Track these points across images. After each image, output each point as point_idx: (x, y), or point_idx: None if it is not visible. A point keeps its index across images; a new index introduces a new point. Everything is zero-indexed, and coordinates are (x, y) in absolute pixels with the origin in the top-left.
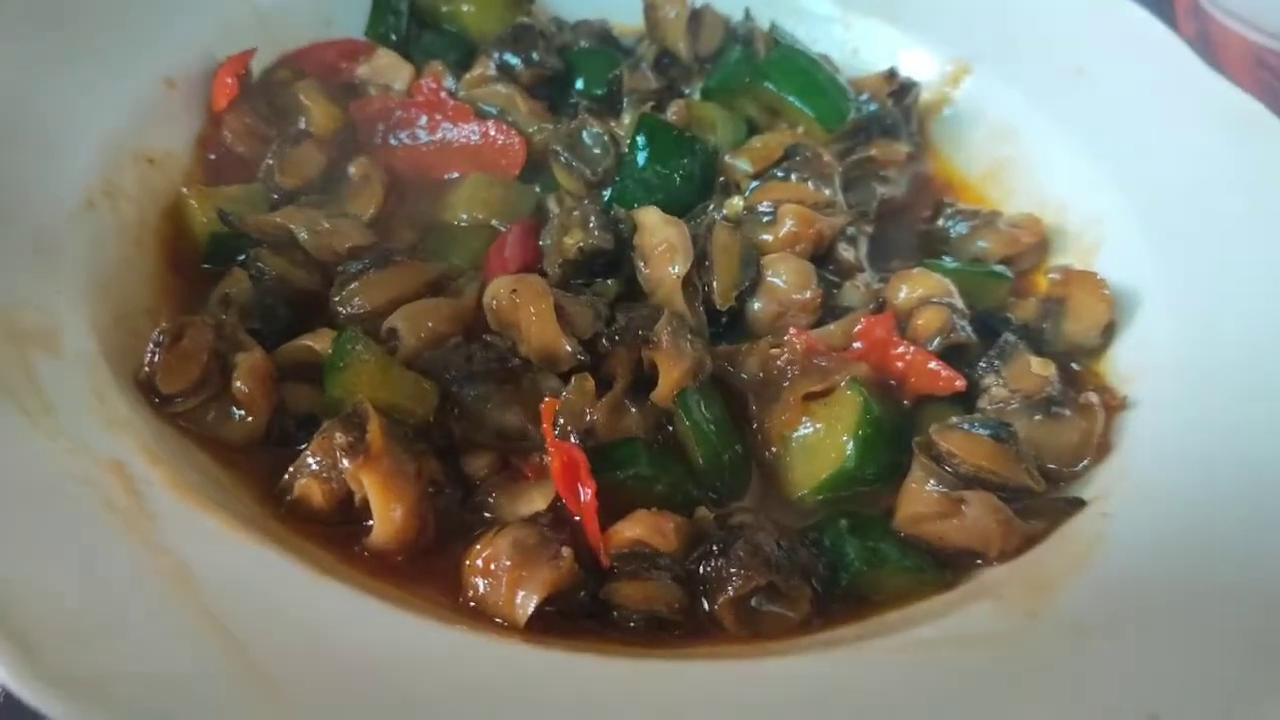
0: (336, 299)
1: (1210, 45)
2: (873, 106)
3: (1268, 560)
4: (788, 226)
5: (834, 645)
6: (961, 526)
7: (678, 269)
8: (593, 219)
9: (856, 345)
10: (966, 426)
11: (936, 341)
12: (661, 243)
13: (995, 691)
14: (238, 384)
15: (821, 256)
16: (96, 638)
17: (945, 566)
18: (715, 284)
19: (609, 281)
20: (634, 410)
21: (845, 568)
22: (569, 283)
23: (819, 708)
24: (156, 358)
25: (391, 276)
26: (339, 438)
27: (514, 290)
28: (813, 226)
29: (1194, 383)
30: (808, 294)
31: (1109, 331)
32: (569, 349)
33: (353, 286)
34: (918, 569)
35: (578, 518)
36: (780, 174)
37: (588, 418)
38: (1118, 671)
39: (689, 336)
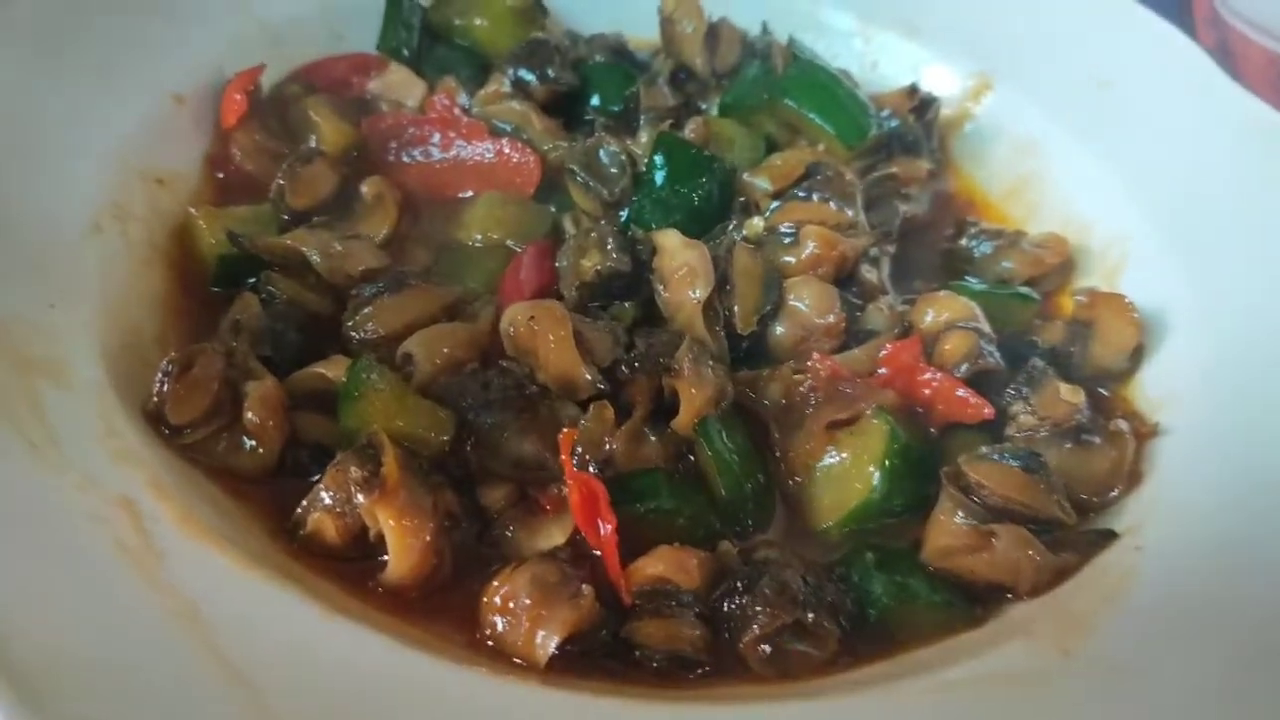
0: (350, 324)
1: (1230, 55)
2: (894, 123)
3: None
4: (810, 249)
5: (863, 685)
6: (991, 560)
7: (698, 293)
8: (610, 241)
9: (882, 371)
10: (996, 457)
11: (964, 367)
12: (682, 266)
13: None
14: (249, 414)
15: (844, 278)
16: (101, 680)
17: (975, 601)
18: (736, 308)
19: (626, 305)
20: (654, 439)
21: (873, 604)
22: (586, 306)
23: None
24: (165, 387)
25: (406, 300)
26: (354, 471)
27: (532, 317)
28: (835, 249)
29: (1226, 407)
30: (831, 318)
31: (1138, 355)
32: (588, 377)
33: (366, 311)
34: (947, 604)
35: (597, 552)
36: (801, 194)
37: (606, 447)
38: (1155, 711)
39: (710, 363)
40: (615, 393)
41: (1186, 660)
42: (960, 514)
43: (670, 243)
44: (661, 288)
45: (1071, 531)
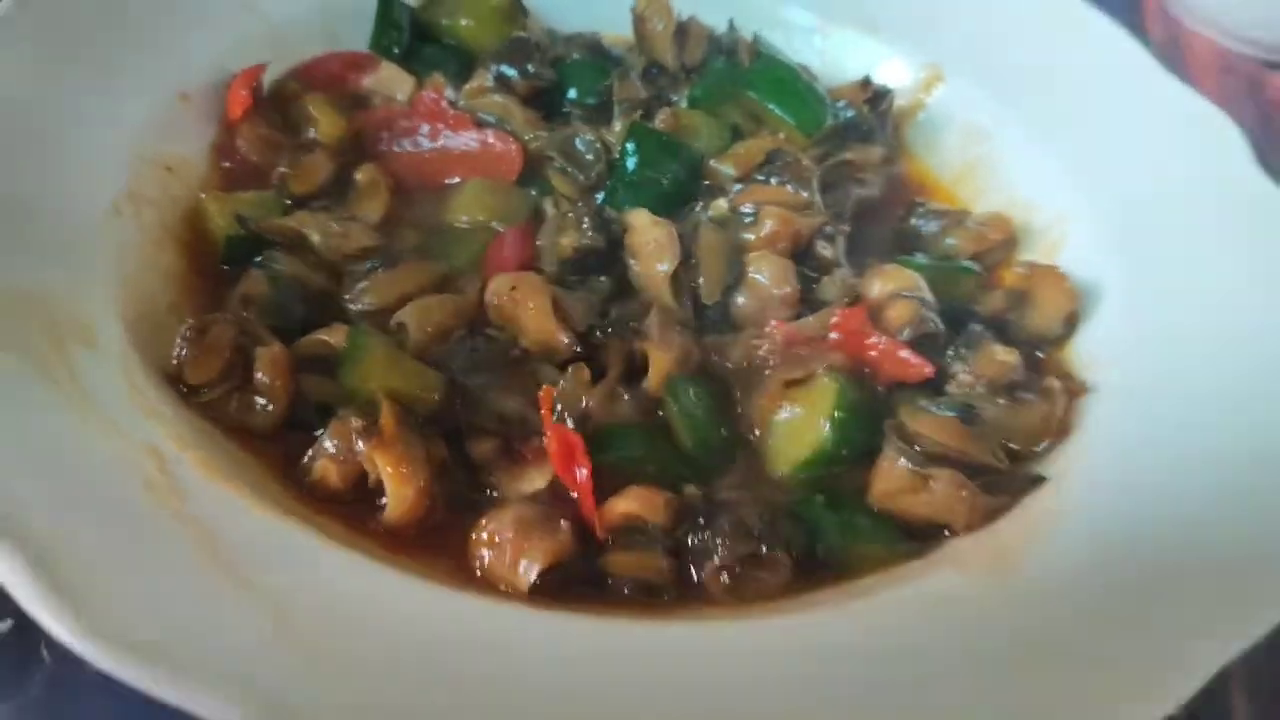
0: (348, 297)
1: (1179, 49)
2: (849, 113)
3: (1211, 530)
4: (768, 227)
5: (810, 606)
6: (930, 501)
7: (665, 266)
8: (586, 221)
9: (833, 336)
10: (935, 409)
11: (907, 331)
12: (650, 242)
13: (963, 642)
14: (259, 375)
15: (801, 254)
16: (134, 594)
17: (914, 538)
18: (701, 280)
19: (602, 279)
20: (626, 398)
21: (822, 538)
22: (565, 280)
23: (798, 655)
24: (184, 352)
25: (399, 275)
26: (354, 422)
27: (514, 287)
28: (792, 226)
29: (1151, 371)
30: (787, 289)
31: (1071, 321)
32: (565, 340)
33: (363, 285)
34: (888, 540)
35: (575, 495)
36: (760, 178)
37: (583, 405)
38: (1072, 623)
39: (677, 328)
40: (591, 356)
41: (1101, 586)
42: (902, 460)
43: (640, 221)
44: (633, 261)
45: (1004, 476)
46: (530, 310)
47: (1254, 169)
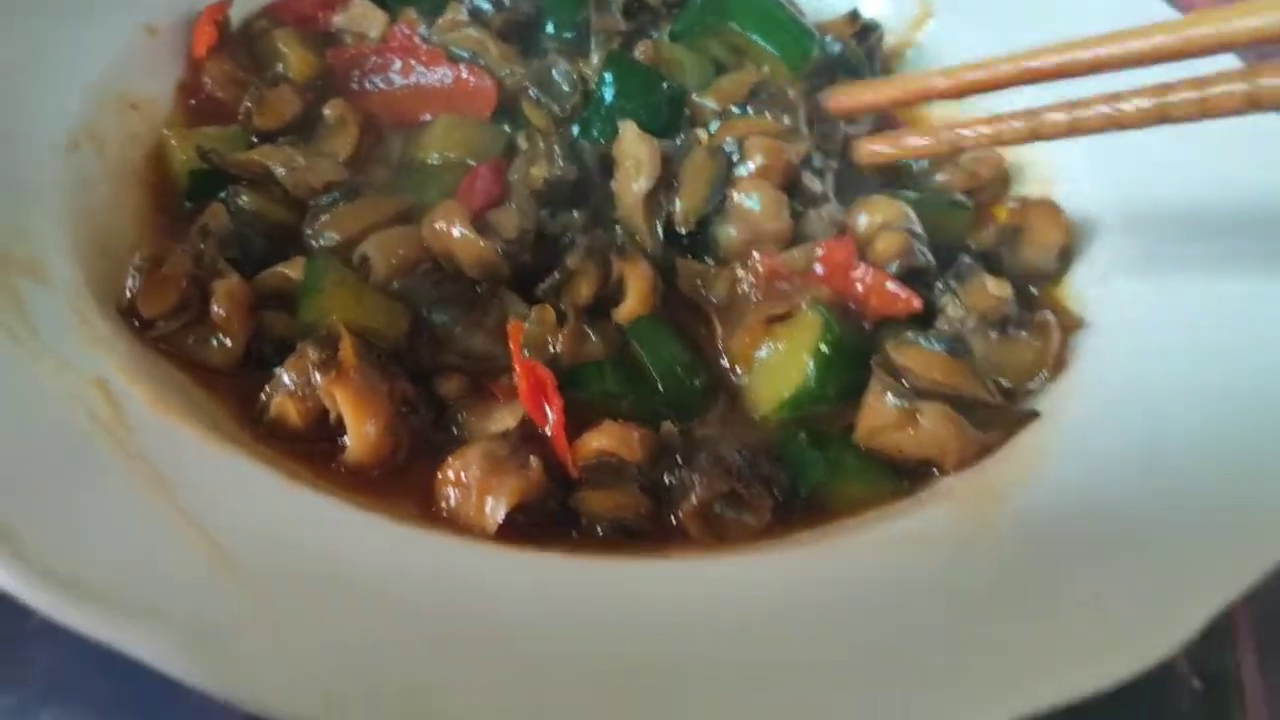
0: (309, 231)
1: None
2: (837, 47)
3: (1209, 467)
4: (758, 161)
5: (795, 545)
6: (917, 437)
7: (641, 185)
8: (558, 150)
9: (818, 269)
10: (922, 342)
11: (896, 264)
12: (630, 158)
13: (951, 581)
14: (215, 308)
15: (789, 189)
16: (78, 535)
17: (903, 476)
18: (679, 205)
19: (575, 213)
20: (595, 338)
21: (805, 477)
22: (538, 214)
23: (779, 592)
24: (137, 283)
25: (361, 208)
26: (312, 354)
27: (434, 220)
28: (782, 156)
29: (1145, 303)
30: (780, 224)
31: (1065, 256)
32: (494, 247)
33: (324, 219)
34: (876, 479)
35: (547, 430)
36: (738, 110)
37: (551, 349)
38: (1062, 561)
39: (643, 259)
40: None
41: (1094, 523)
42: (889, 395)
43: (628, 134)
44: (616, 175)
45: (996, 411)
46: (454, 236)
47: None
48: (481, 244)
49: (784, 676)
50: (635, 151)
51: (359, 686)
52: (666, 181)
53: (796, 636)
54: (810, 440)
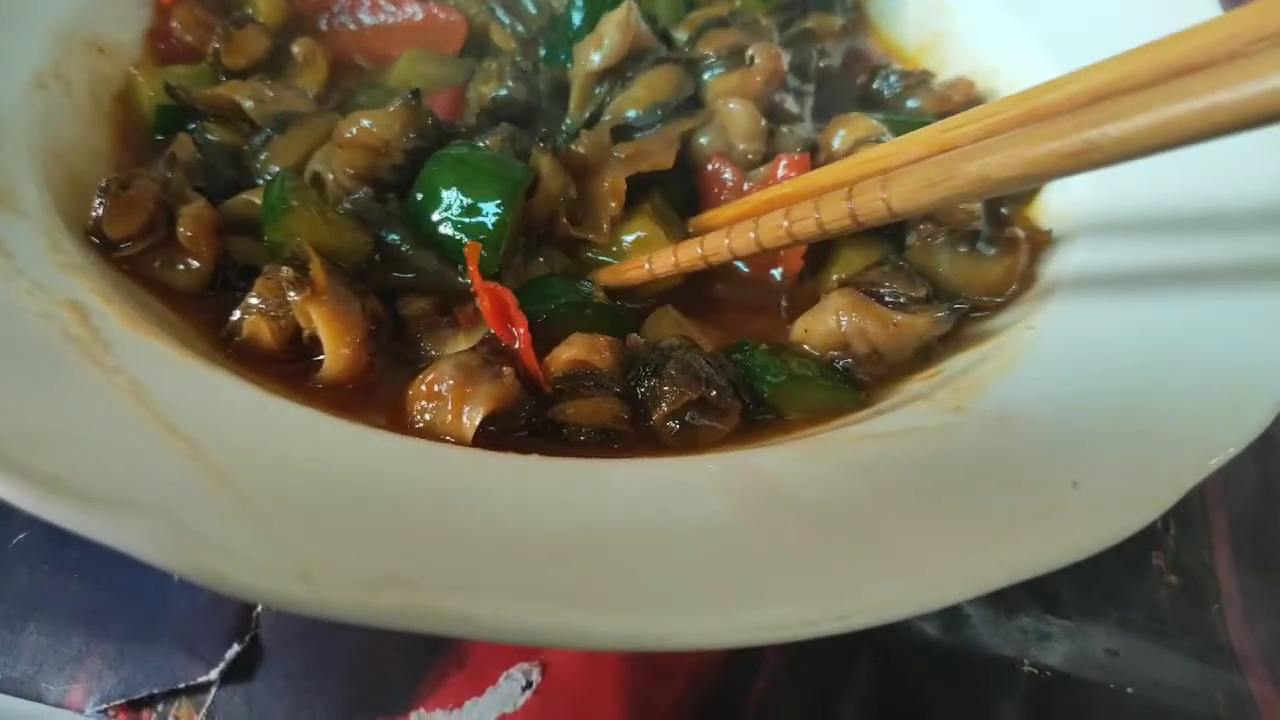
0: (258, 178)
1: None
2: None
3: (1170, 370)
4: (758, 62)
5: (781, 442)
6: (834, 324)
7: (593, 61)
8: (509, 70)
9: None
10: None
11: None
12: (599, 35)
13: (933, 467)
14: (182, 230)
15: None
16: (56, 438)
17: (861, 388)
18: (615, 99)
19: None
20: (541, 259)
21: (767, 382)
22: (484, 132)
23: (748, 482)
24: (104, 205)
25: (297, 134)
26: (285, 272)
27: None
28: (778, 59)
29: (1113, 220)
30: (755, 144)
31: None
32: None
33: (264, 156)
34: (834, 386)
35: (516, 346)
36: (717, 25)
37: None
38: (1040, 450)
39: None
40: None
41: (1067, 413)
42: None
43: (617, 13)
44: (575, 54)
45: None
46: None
47: None
48: (377, 159)
49: (755, 559)
50: (604, 30)
51: (340, 567)
52: (623, 74)
53: (767, 529)
54: (770, 348)
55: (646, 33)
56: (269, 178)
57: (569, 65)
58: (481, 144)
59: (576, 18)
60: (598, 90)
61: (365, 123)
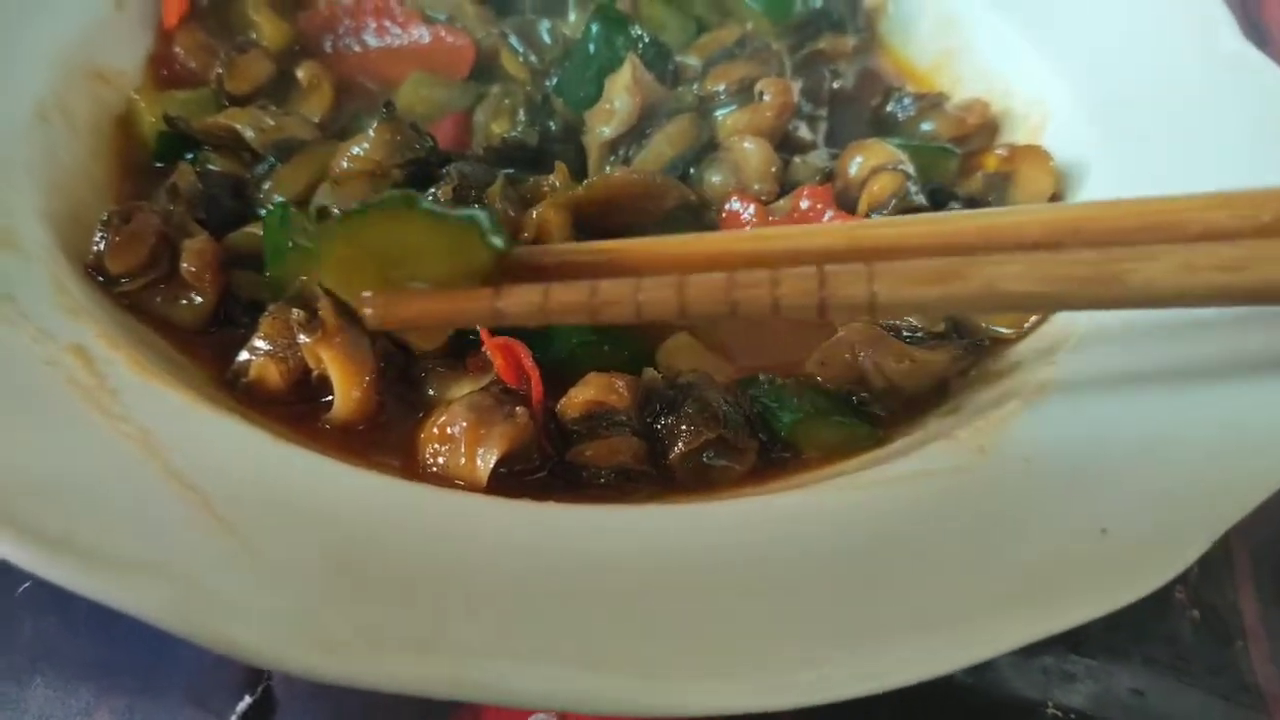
0: (259, 197)
1: None
2: (818, 1)
3: (1202, 404)
4: (769, 96)
5: (801, 485)
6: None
7: (605, 133)
8: (522, 111)
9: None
10: None
11: (892, 204)
12: (608, 102)
13: (958, 513)
14: (185, 265)
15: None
16: (61, 493)
17: (879, 426)
18: (635, 161)
19: (531, 180)
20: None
21: (783, 420)
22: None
23: (769, 528)
24: (105, 239)
25: (300, 163)
26: (295, 314)
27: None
28: (788, 93)
29: None
30: (769, 185)
31: (1055, 202)
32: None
33: (268, 185)
34: (853, 423)
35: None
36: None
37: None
38: (1066, 493)
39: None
40: None
41: (1094, 454)
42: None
43: (622, 76)
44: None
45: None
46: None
47: (1238, 43)
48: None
49: (773, 606)
50: (613, 95)
51: (355, 633)
52: (640, 132)
53: (785, 569)
54: (789, 384)
55: (653, 84)
56: (270, 209)
57: (581, 95)
58: (433, 192)
59: (591, 48)
60: (613, 157)
61: (354, 150)
